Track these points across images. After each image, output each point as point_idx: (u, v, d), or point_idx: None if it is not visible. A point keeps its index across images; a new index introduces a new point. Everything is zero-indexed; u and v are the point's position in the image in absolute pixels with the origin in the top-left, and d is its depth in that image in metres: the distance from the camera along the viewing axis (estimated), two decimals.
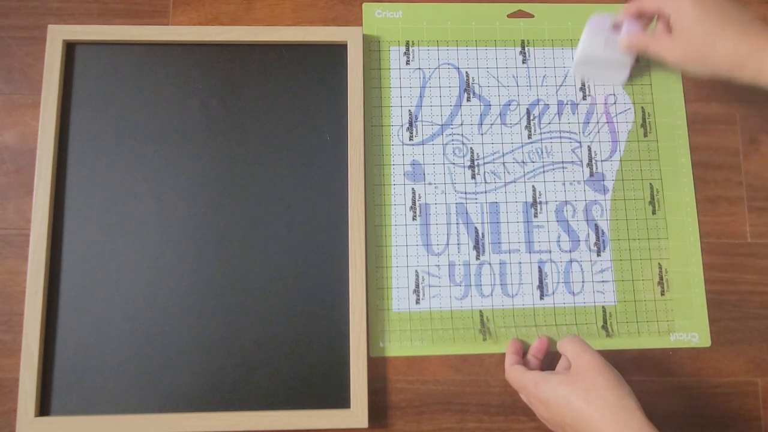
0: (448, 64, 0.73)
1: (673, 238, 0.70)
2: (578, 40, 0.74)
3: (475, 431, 0.66)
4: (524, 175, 0.71)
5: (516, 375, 0.60)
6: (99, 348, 0.64)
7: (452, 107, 0.72)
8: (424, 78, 0.73)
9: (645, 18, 0.68)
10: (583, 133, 0.72)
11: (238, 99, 0.70)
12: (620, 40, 0.68)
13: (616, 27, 0.69)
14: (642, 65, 0.74)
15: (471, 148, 0.71)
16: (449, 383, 0.67)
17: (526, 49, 0.74)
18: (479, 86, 0.73)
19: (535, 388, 0.57)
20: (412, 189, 0.70)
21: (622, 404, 0.51)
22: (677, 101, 0.74)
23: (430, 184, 0.70)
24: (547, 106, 0.73)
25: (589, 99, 0.73)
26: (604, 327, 0.68)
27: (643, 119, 0.73)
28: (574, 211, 0.70)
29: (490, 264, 0.69)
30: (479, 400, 0.66)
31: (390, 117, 0.72)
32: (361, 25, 0.74)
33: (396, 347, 0.67)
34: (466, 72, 0.73)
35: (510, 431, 0.66)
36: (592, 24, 0.69)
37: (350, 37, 0.71)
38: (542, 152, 0.72)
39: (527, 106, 0.73)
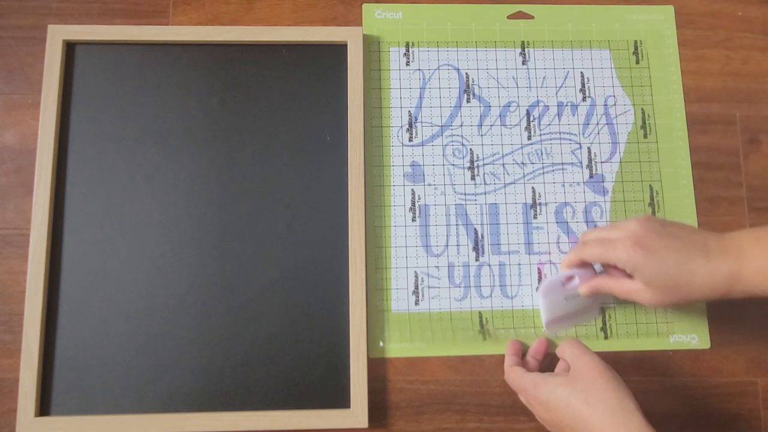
0: (448, 65, 0.73)
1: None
2: (578, 41, 0.74)
3: (475, 431, 0.66)
4: (524, 177, 0.71)
5: (515, 376, 0.60)
6: (99, 348, 0.64)
7: (452, 108, 0.72)
8: (423, 79, 0.73)
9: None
10: (582, 134, 0.72)
11: (238, 99, 0.70)
12: (579, 290, 0.65)
13: (568, 279, 0.65)
14: (642, 66, 0.74)
15: (471, 149, 0.71)
16: (449, 383, 0.67)
17: (526, 50, 0.74)
18: (479, 87, 0.73)
19: (534, 389, 0.57)
20: (412, 190, 0.70)
21: (622, 406, 0.52)
22: (677, 103, 0.74)
23: (429, 185, 0.70)
24: (546, 107, 0.73)
25: (589, 100, 0.73)
26: (603, 329, 0.68)
27: (643, 121, 0.73)
28: (574, 212, 0.70)
29: (489, 265, 0.69)
30: (479, 400, 0.66)
31: (390, 118, 0.72)
32: (361, 25, 0.74)
33: (395, 348, 0.67)
34: (466, 73, 0.73)
35: (510, 431, 0.66)
36: (545, 292, 0.65)
37: (350, 37, 0.71)
38: (542, 153, 0.72)
39: (527, 108, 0.73)
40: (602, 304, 0.68)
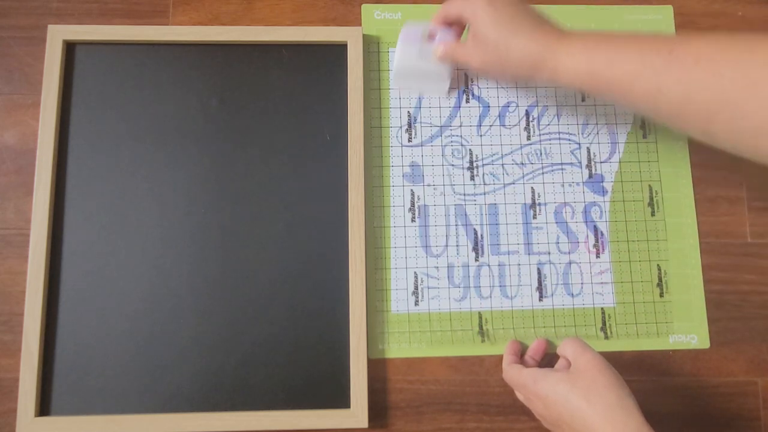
0: None
1: (672, 239, 0.70)
2: None
3: (475, 431, 0.66)
4: (523, 177, 0.71)
5: (514, 373, 0.60)
6: (99, 348, 0.65)
7: (451, 109, 0.72)
8: None
9: (457, 25, 0.67)
10: (582, 134, 0.72)
11: (238, 99, 0.70)
12: (434, 49, 0.66)
13: (431, 36, 0.66)
14: None
15: (470, 149, 0.71)
16: (449, 383, 0.67)
17: None
18: (478, 88, 0.73)
19: (534, 384, 0.57)
20: (411, 191, 0.70)
21: (622, 404, 0.52)
22: None
23: (429, 185, 0.70)
24: (546, 107, 0.73)
25: (588, 101, 0.73)
26: (603, 329, 0.68)
27: (642, 120, 0.73)
28: (573, 212, 0.70)
29: (489, 266, 0.69)
30: (479, 400, 0.66)
31: (389, 118, 0.72)
32: (360, 25, 0.74)
33: (395, 349, 0.67)
34: (465, 73, 0.73)
35: (510, 431, 0.66)
36: (406, 34, 0.67)
37: (350, 37, 0.71)
38: (541, 154, 0.72)
39: (526, 108, 0.73)
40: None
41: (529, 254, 0.69)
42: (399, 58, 0.68)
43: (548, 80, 0.59)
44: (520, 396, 0.62)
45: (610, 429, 0.50)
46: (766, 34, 0.50)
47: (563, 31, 0.59)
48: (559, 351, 0.60)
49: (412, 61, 0.67)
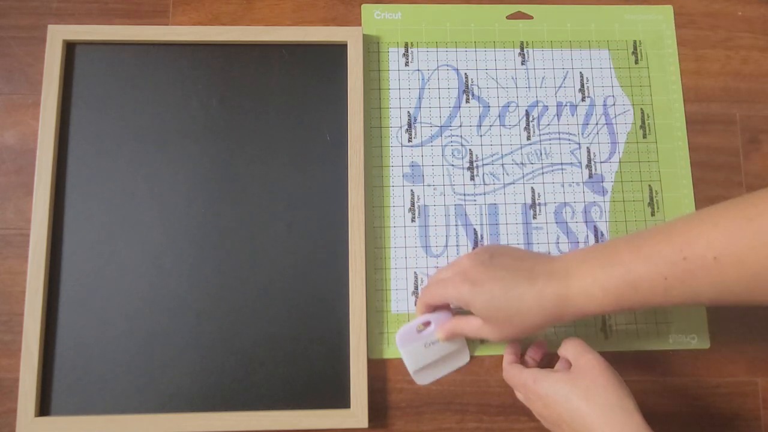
0: (447, 65, 0.73)
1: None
2: (577, 41, 0.74)
3: (475, 431, 0.66)
4: (523, 177, 0.71)
5: (514, 372, 0.60)
6: (99, 348, 0.65)
7: (451, 109, 0.72)
8: (423, 79, 0.73)
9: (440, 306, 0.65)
10: (582, 134, 0.72)
11: (238, 99, 0.70)
12: (436, 335, 0.64)
13: (424, 325, 0.64)
14: (641, 66, 0.74)
15: (470, 149, 0.71)
16: (449, 383, 0.67)
17: (525, 50, 0.74)
18: (478, 88, 0.73)
19: (534, 383, 0.57)
20: (411, 191, 0.70)
21: (621, 405, 0.51)
22: (676, 103, 0.74)
23: (429, 185, 0.70)
24: (546, 107, 0.73)
25: (588, 101, 0.73)
26: (603, 329, 0.68)
27: (643, 121, 0.73)
28: (573, 212, 0.70)
29: None
30: (479, 400, 0.66)
31: (389, 118, 0.72)
32: (360, 25, 0.74)
33: (395, 350, 0.67)
34: (465, 73, 0.73)
35: (510, 431, 0.66)
36: (402, 337, 0.64)
37: (350, 37, 0.71)
38: (541, 154, 0.72)
39: (526, 108, 0.73)
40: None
41: None
42: (411, 363, 0.65)
43: (576, 318, 0.56)
44: (519, 396, 0.62)
45: (608, 429, 0.50)
46: (747, 199, 0.50)
47: (557, 262, 0.56)
48: (559, 351, 0.59)
49: (424, 359, 0.65)
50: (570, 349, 0.57)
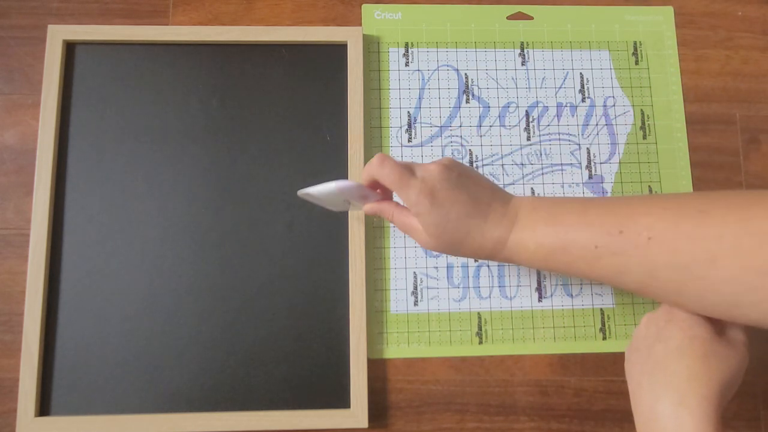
0: (447, 65, 0.73)
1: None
2: (578, 42, 0.74)
3: (475, 431, 0.66)
4: (523, 177, 0.71)
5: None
6: (99, 348, 0.65)
7: (451, 109, 0.72)
8: (423, 79, 0.73)
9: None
10: (582, 135, 0.72)
11: (238, 99, 0.70)
12: (363, 207, 0.60)
13: (363, 196, 0.59)
14: (641, 67, 0.74)
15: (470, 149, 0.71)
16: (449, 383, 0.67)
17: (525, 51, 0.74)
18: (478, 88, 0.73)
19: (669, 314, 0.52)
20: None
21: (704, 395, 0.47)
22: (676, 104, 0.74)
23: None
24: (546, 108, 0.73)
25: (588, 101, 0.73)
26: (602, 329, 0.68)
27: (642, 121, 0.73)
28: None
29: (488, 266, 0.69)
30: (479, 400, 0.66)
31: (389, 118, 0.72)
32: (360, 25, 0.74)
33: (394, 350, 0.67)
34: (465, 74, 0.73)
35: (510, 431, 0.66)
36: (339, 190, 0.57)
37: (350, 37, 0.71)
38: (541, 154, 0.72)
39: (526, 108, 0.73)
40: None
41: None
42: (322, 195, 0.59)
43: (503, 261, 0.56)
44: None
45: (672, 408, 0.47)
46: (709, 194, 0.48)
47: (512, 205, 0.55)
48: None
49: (328, 199, 0.60)
50: (740, 329, 0.53)
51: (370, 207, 0.60)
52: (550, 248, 0.52)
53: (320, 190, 0.58)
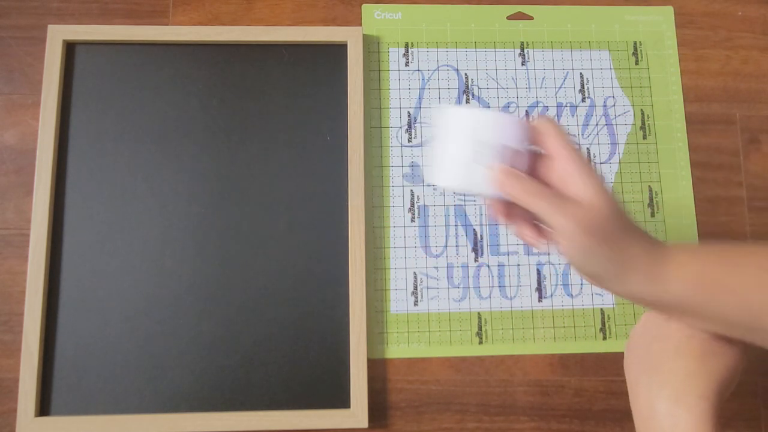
0: (448, 65, 0.73)
1: (671, 240, 0.70)
2: (578, 42, 0.74)
3: (475, 431, 0.66)
4: None
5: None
6: (99, 348, 0.65)
7: None
8: (423, 79, 0.73)
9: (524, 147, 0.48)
10: (582, 135, 0.72)
11: (238, 99, 0.70)
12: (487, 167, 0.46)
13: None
14: (641, 67, 0.74)
15: None
16: (449, 383, 0.67)
17: (525, 51, 0.74)
18: (478, 88, 0.73)
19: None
20: (411, 191, 0.70)
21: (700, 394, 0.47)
22: (676, 104, 0.74)
23: (428, 185, 0.70)
24: (546, 108, 0.73)
25: (588, 101, 0.73)
26: (602, 329, 0.68)
27: (642, 122, 0.73)
28: None
29: (488, 266, 0.69)
30: (479, 400, 0.66)
31: (389, 118, 0.72)
32: (360, 25, 0.74)
33: (394, 349, 0.67)
34: (465, 74, 0.73)
35: (510, 431, 0.66)
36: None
37: (350, 37, 0.71)
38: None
39: (526, 108, 0.73)
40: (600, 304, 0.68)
41: (528, 255, 0.69)
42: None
43: (644, 282, 0.47)
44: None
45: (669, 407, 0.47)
46: None
47: (661, 271, 0.48)
48: None
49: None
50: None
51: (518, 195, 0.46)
52: (710, 274, 0.47)
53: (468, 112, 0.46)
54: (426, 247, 0.69)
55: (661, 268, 0.47)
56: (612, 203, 0.46)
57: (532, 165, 0.47)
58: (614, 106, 0.73)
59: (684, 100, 0.74)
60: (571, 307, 0.68)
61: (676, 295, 0.48)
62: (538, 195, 0.45)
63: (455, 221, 0.70)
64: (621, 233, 0.47)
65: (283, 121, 0.70)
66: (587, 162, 0.46)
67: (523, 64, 0.74)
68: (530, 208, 0.45)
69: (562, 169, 0.46)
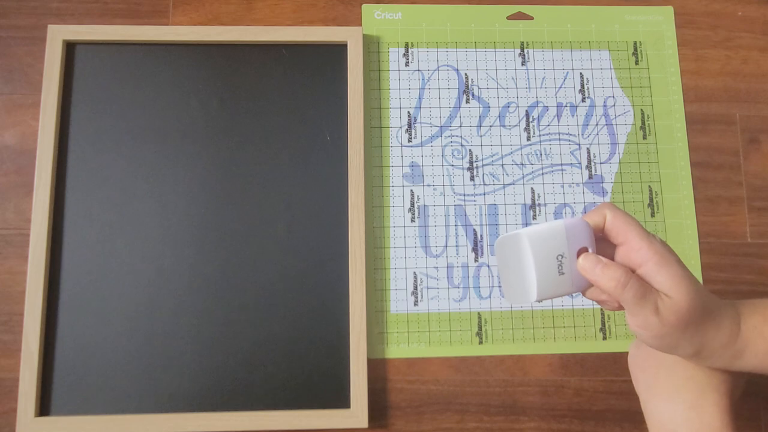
0: (448, 65, 0.73)
1: (671, 241, 0.70)
2: (578, 42, 0.74)
3: (475, 431, 0.66)
4: (523, 177, 0.71)
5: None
6: (99, 348, 0.65)
7: (451, 109, 0.72)
8: (423, 79, 0.73)
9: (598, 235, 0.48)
10: (582, 135, 0.72)
11: (238, 99, 0.70)
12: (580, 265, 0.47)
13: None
14: (641, 67, 0.74)
15: (470, 149, 0.71)
16: (449, 383, 0.67)
17: (525, 51, 0.74)
18: (478, 88, 0.73)
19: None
20: (411, 191, 0.70)
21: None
22: (676, 104, 0.74)
23: (428, 185, 0.70)
24: (546, 108, 0.73)
25: (588, 101, 0.73)
26: (602, 329, 0.68)
27: (643, 121, 0.73)
28: (573, 213, 0.70)
29: (488, 266, 0.69)
30: (479, 400, 0.66)
31: (389, 118, 0.72)
32: (360, 25, 0.74)
33: (394, 350, 0.67)
34: (465, 74, 0.73)
35: (510, 431, 0.66)
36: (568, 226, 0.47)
37: (350, 37, 0.71)
38: (541, 154, 0.72)
39: (526, 108, 0.73)
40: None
41: None
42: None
43: (719, 360, 0.48)
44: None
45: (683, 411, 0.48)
46: None
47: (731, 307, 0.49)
48: None
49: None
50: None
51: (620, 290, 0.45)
52: None
53: (535, 231, 0.46)
54: (426, 247, 0.69)
55: (735, 348, 0.48)
56: (695, 293, 0.45)
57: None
58: (614, 106, 0.73)
59: (684, 100, 0.74)
60: (571, 307, 0.68)
61: (747, 366, 0.49)
62: (621, 284, 0.45)
63: (455, 221, 0.70)
64: (701, 319, 0.46)
65: (283, 121, 0.70)
66: (668, 251, 0.46)
67: (523, 64, 0.74)
68: (615, 297, 0.46)
69: (642, 259, 0.46)
